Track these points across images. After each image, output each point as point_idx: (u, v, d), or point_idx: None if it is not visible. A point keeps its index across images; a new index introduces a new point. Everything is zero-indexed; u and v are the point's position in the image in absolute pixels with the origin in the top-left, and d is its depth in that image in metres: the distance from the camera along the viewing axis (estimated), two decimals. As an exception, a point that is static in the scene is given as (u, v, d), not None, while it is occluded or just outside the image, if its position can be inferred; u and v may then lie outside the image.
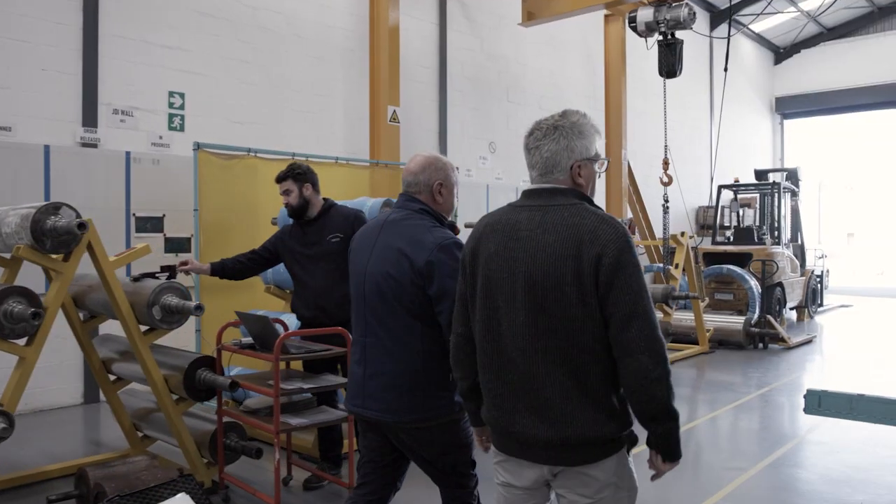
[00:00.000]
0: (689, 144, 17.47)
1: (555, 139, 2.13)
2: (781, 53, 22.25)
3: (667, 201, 10.12)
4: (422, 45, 10.43)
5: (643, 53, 13.34)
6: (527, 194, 2.17)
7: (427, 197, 2.81)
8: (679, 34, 9.93)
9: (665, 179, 10.32)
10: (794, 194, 15.62)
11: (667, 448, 2.07)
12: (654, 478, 2.16)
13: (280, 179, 4.58)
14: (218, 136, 7.61)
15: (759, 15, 18.83)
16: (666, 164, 10.34)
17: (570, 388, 2.01)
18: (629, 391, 2.02)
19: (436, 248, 2.65)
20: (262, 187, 6.68)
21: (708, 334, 10.61)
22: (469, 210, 10.40)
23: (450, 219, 2.92)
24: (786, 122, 22.95)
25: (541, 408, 2.04)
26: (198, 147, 6.40)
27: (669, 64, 9.55)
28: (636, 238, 13.07)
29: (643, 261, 13.67)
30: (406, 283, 2.66)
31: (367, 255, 2.81)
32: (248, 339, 4.34)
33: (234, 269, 4.69)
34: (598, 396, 2.02)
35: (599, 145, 2.23)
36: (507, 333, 2.09)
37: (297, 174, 4.54)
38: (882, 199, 32.77)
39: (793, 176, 15.95)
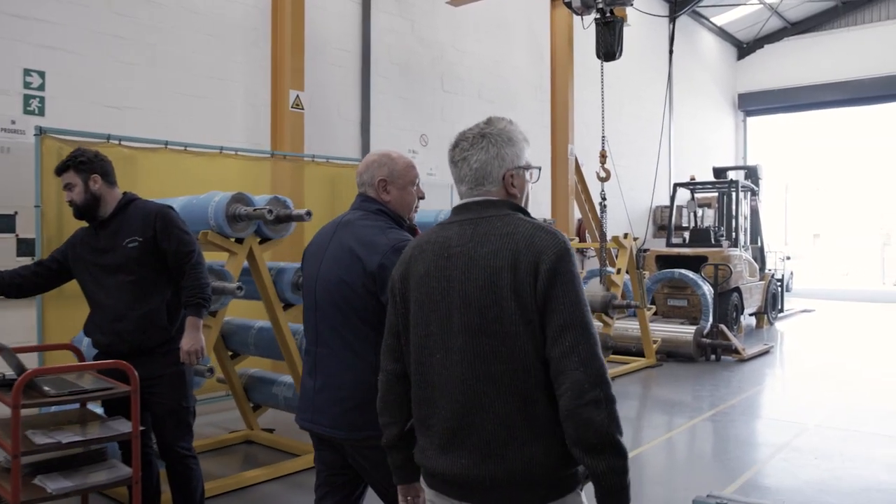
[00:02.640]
0: (644, 139, 16.68)
1: (483, 148, 1.98)
2: (744, 48, 21.61)
3: (604, 199, 9.20)
4: (341, 25, 9.42)
5: (594, 42, 12.48)
6: (456, 210, 2.01)
7: (375, 196, 2.64)
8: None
9: (602, 174, 9.40)
10: (753, 193, 14.93)
11: (612, 493, 1.75)
12: None
13: (59, 171, 3.57)
14: (87, 123, 6.55)
15: (721, 6, 18.11)
16: (603, 156, 9.42)
17: (516, 418, 1.81)
18: (563, 416, 1.76)
19: (389, 251, 2.44)
20: (140, 180, 5.81)
21: (655, 345, 9.76)
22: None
23: (410, 219, 2.70)
24: (749, 119, 22.32)
25: (483, 443, 1.83)
26: (41, 132, 5.43)
27: (608, 45, 8.63)
28: (575, 241, 12.20)
29: (593, 264, 12.83)
30: (358, 287, 2.48)
31: (320, 259, 2.63)
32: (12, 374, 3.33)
33: (9, 286, 3.65)
34: (547, 427, 1.82)
35: (529, 154, 2.07)
36: (444, 361, 1.90)
37: (80, 163, 3.53)
38: (848, 198, 32.43)
39: (753, 174, 15.27)
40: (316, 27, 8.83)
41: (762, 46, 21.31)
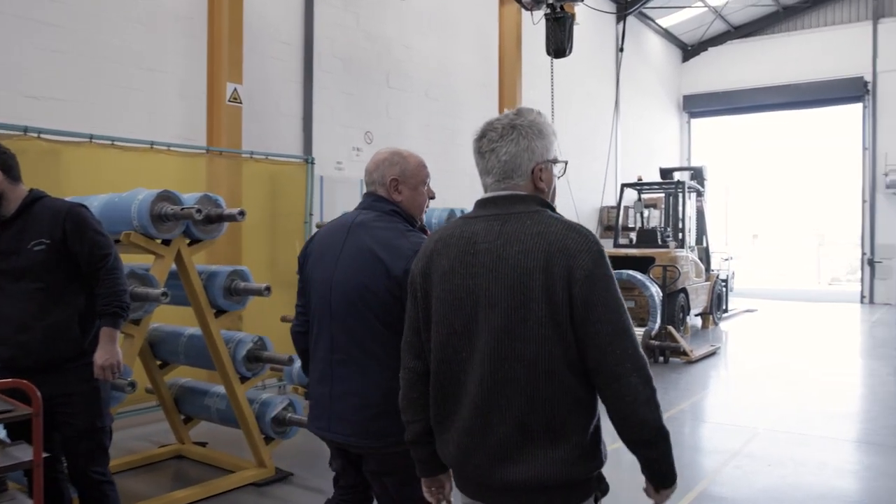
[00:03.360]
0: (593, 139, 16.66)
1: (513, 140, 1.92)
2: (689, 51, 21.81)
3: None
4: (282, 16, 9.04)
5: (542, 41, 12.32)
6: (482, 203, 1.96)
7: (385, 196, 2.56)
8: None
9: (553, 174, 9.23)
10: (699, 194, 15.03)
11: (662, 473, 1.88)
12: None
13: (-43, 167, 3.18)
14: (3, 113, 6.08)
15: (666, 7, 18.21)
16: (554, 156, 9.26)
17: (534, 423, 1.80)
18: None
19: (413, 255, 2.25)
20: (63, 177, 5.60)
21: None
22: (339, 208, 9.09)
23: (421, 221, 2.64)
24: (693, 120, 22.55)
25: (498, 445, 1.82)
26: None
27: (558, 41, 8.48)
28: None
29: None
30: (382, 293, 2.41)
31: (333, 262, 2.51)
32: None
33: None
34: (565, 432, 1.81)
35: (557, 147, 2.01)
36: (466, 361, 1.87)
37: (-22, 157, 3.15)
38: (785, 199, 33.22)
39: (698, 175, 15.38)
40: (255, 18, 8.45)
41: (706, 49, 21.53)
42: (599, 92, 17.27)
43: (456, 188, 11.89)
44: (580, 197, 14.59)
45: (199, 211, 4.25)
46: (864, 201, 19.25)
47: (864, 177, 19.31)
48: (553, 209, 1.95)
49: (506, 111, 2.01)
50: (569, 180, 11.98)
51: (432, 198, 2.68)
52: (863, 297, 19.33)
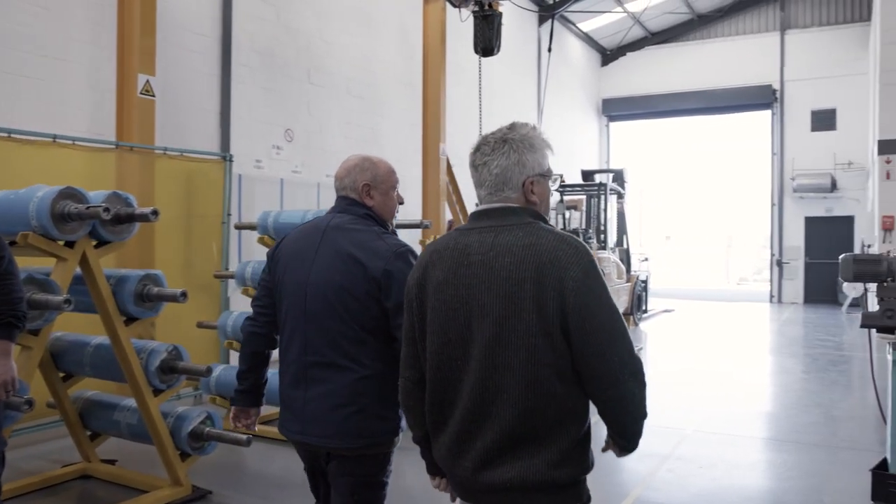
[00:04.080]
0: (515, 142, 16.64)
1: (504, 153, 1.96)
2: (608, 55, 22.18)
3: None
4: (199, 6, 8.60)
5: (467, 40, 12.17)
6: (476, 216, 2.00)
7: (358, 200, 2.61)
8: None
9: (480, 175, 9.11)
10: (620, 196, 15.26)
11: (633, 446, 1.97)
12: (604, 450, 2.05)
13: None
14: None
15: (587, 12, 18.43)
16: (482, 156, 9.13)
17: (521, 431, 1.84)
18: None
19: (392, 256, 2.45)
20: None
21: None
22: (259, 208, 8.72)
23: (392, 225, 2.70)
24: (611, 124, 22.94)
25: (485, 450, 1.87)
26: None
27: (486, 39, 8.37)
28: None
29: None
30: (360, 294, 2.44)
31: (308, 265, 2.53)
32: None
33: None
34: (551, 439, 1.84)
35: (550, 160, 2.04)
36: (459, 369, 1.91)
37: None
38: (697, 202, 34.26)
39: (619, 177, 15.61)
40: (170, 7, 8.00)
41: (625, 54, 21.94)
42: (522, 94, 17.32)
43: (380, 188, 11.66)
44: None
45: (106, 210, 3.90)
46: (773, 204, 19.98)
47: (772, 181, 20.05)
48: (546, 221, 1.99)
49: (501, 126, 2.04)
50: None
51: (401, 203, 2.72)
52: (772, 296, 20.06)
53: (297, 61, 10.15)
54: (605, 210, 14.03)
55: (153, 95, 7.11)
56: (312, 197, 10.21)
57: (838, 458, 5.67)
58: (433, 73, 11.63)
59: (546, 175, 2.02)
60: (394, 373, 2.36)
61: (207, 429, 4.59)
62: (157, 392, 4.49)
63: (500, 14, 8.61)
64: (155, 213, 4.16)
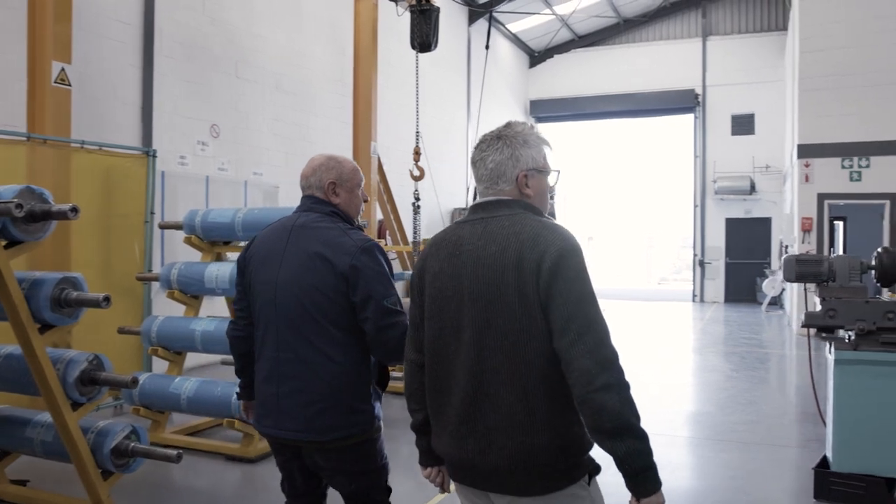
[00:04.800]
0: (446, 143, 16.56)
1: (498, 149, 2.05)
2: (536, 57, 22.33)
3: (418, 199, 8.74)
4: (118, -7, 8.14)
5: (397, 39, 11.98)
6: (472, 209, 2.09)
7: (324, 198, 2.68)
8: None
9: (416, 173, 8.94)
10: (551, 197, 15.31)
11: (636, 475, 1.79)
12: None
13: None
14: None
15: (516, 13, 18.47)
16: (417, 153, 8.96)
17: (518, 410, 1.89)
18: (578, 405, 1.85)
19: (358, 251, 2.53)
20: None
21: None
22: (183, 207, 8.31)
23: (358, 222, 2.78)
24: (539, 125, 23.04)
25: (487, 431, 1.93)
26: None
27: (423, 34, 8.18)
28: (387, 243, 11.71)
29: (395, 267, 12.36)
30: (328, 290, 2.52)
31: (277, 263, 2.59)
32: None
33: None
34: (549, 419, 1.89)
35: (549, 156, 2.11)
36: (455, 353, 1.99)
37: None
38: (620, 202, 34.98)
39: (549, 178, 15.67)
40: (86, -8, 7.53)
41: (552, 56, 22.13)
42: (451, 93, 17.24)
43: (310, 187, 11.35)
44: (431, 199, 14.42)
45: (19, 206, 3.54)
46: (695, 206, 20.50)
47: (695, 183, 20.56)
48: (539, 213, 2.04)
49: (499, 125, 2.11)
50: (433, 181, 11.73)
51: (366, 201, 2.80)
52: (694, 295, 20.57)
53: (224, 54, 9.75)
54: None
55: (69, 85, 6.65)
56: (239, 195, 9.82)
57: (777, 456, 5.72)
58: (364, 70, 11.37)
59: (542, 170, 2.07)
60: (365, 366, 2.58)
61: (133, 444, 4.24)
62: (75, 406, 4.11)
63: (438, 9, 8.45)
64: (74, 210, 3.81)
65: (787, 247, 15.66)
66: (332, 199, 2.68)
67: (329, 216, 2.65)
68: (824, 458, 4.84)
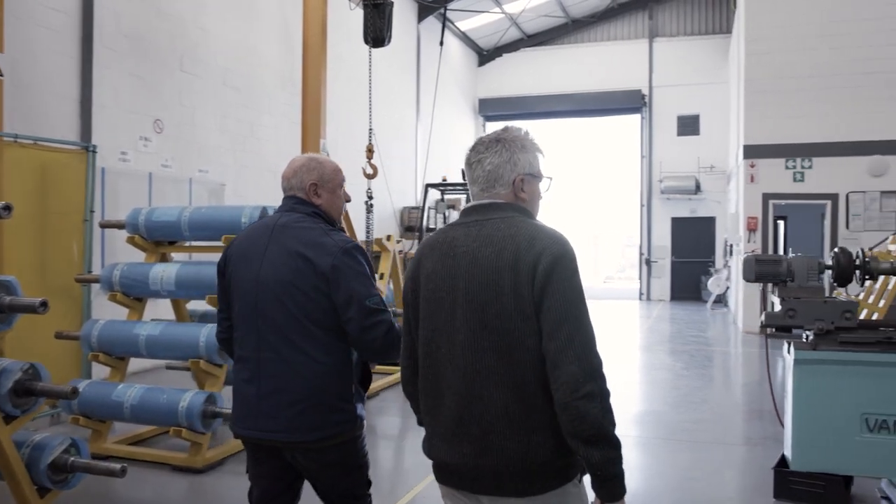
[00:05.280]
0: (396, 141, 16.38)
1: (497, 152, 2.08)
2: (485, 56, 22.31)
3: (371, 198, 8.57)
4: (54, -20, 7.75)
5: (348, 35, 11.80)
6: (465, 212, 2.12)
7: (306, 199, 2.70)
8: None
9: (369, 171, 8.77)
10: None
11: (606, 481, 1.85)
12: None
13: None
14: None
15: (466, 10, 18.40)
16: (370, 151, 8.78)
17: (515, 411, 1.92)
18: (559, 408, 1.86)
19: (339, 252, 2.55)
20: None
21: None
22: (124, 205, 7.97)
23: (340, 223, 2.80)
24: (488, 124, 23.08)
25: (483, 434, 1.94)
26: None
27: (377, 29, 8.02)
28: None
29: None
30: (309, 290, 2.53)
31: (258, 263, 2.60)
32: None
33: None
34: (543, 419, 1.91)
35: (543, 164, 2.16)
36: (448, 355, 2.00)
37: None
38: (567, 201, 35.25)
39: (499, 177, 15.64)
40: (20, -22, 7.14)
41: (501, 55, 22.14)
42: (400, 90, 17.07)
43: (257, 185, 11.07)
44: (382, 199, 14.23)
45: (-53, 205, 3.27)
46: (641, 205, 20.75)
47: (641, 182, 20.81)
48: (532, 217, 2.08)
49: (496, 129, 2.14)
50: (387, 179, 11.56)
51: (348, 201, 2.82)
52: (641, 293, 20.83)
53: (169, 47, 9.41)
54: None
55: (1, 75, 6.28)
56: (184, 193, 9.49)
57: (734, 455, 5.74)
58: (313, 65, 11.10)
59: (536, 175, 2.11)
60: (347, 366, 2.59)
61: (72, 458, 3.97)
62: (8, 419, 3.83)
63: (392, 3, 8.29)
64: (7, 208, 3.56)
65: (731, 246, 15.96)
66: (314, 200, 2.69)
67: (310, 216, 2.65)
68: (783, 458, 4.86)
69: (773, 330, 4.91)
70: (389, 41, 8.36)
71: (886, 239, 10.41)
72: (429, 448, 2.10)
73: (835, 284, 4.81)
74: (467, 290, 1.97)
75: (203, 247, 6.00)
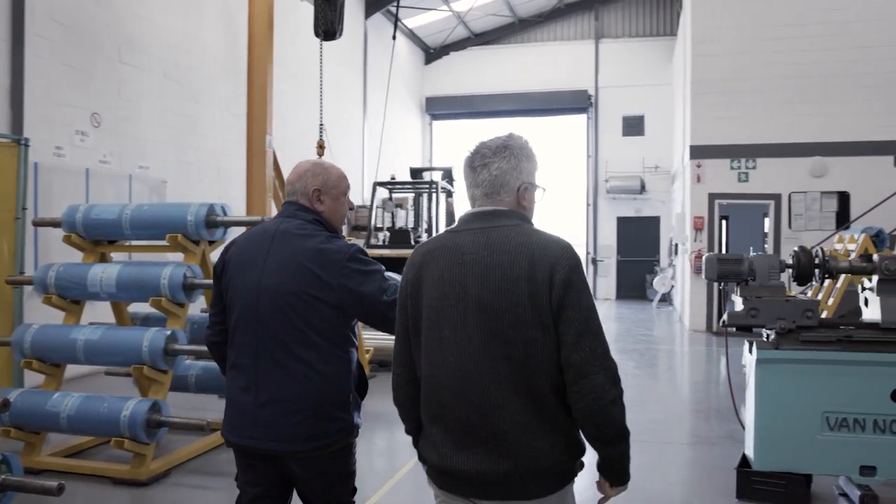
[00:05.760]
0: (343, 139, 16.11)
1: (505, 158, 2.11)
2: (432, 54, 22.16)
3: (322, 196, 8.30)
4: (-19, -37, 7.31)
5: (294, 30, 11.54)
6: (468, 218, 2.12)
7: (308, 205, 2.67)
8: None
9: (321, 168, 8.49)
10: (449, 194, 15.16)
11: (620, 471, 2.07)
12: (602, 502, 2.15)
13: None
14: None
15: (414, 7, 18.22)
16: (321, 147, 8.53)
17: (528, 417, 1.96)
18: (584, 414, 1.96)
19: (345, 259, 2.53)
20: None
21: (368, 355, 9.12)
22: (59, 202, 7.57)
23: (342, 231, 2.78)
24: (435, 122, 22.95)
25: (497, 441, 1.96)
26: None
27: (328, 21, 7.80)
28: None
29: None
30: (312, 300, 2.50)
31: (259, 269, 2.57)
32: None
33: None
34: (555, 425, 1.99)
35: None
36: (458, 363, 2.00)
37: None
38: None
39: (448, 175, 15.51)
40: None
41: (448, 53, 22.01)
42: (348, 87, 16.79)
43: (200, 182, 10.70)
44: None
45: None
46: (588, 205, 20.90)
47: (587, 182, 20.96)
48: (531, 224, 2.13)
49: (498, 135, 2.15)
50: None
51: (351, 209, 2.79)
52: (587, 293, 20.95)
53: (107, 36, 8.99)
54: (437, 208, 13.85)
55: (-77, 63, 5.86)
56: (124, 190, 9.09)
57: (693, 455, 5.72)
58: (260, 59, 10.77)
59: (535, 185, 2.15)
60: (346, 374, 2.58)
61: (3, 477, 3.68)
62: (-67, 432, 3.53)
63: (344, -5, 8.07)
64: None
65: (676, 245, 16.17)
66: (317, 207, 2.66)
67: (313, 224, 2.63)
68: (744, 457, 4.83)
69: (735, 329, 4.90)
70: (341, 34, 8.14)
71: (830, 238, 10.64)
72: (434, 456, 2.07)
73: (795, 283, 4.81)
74: (479, 298, 1.97)
75: (146, 246, 5.71)
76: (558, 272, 1.94)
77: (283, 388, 2.50)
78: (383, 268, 2.62)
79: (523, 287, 1.93)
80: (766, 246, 15.91)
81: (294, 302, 2.49)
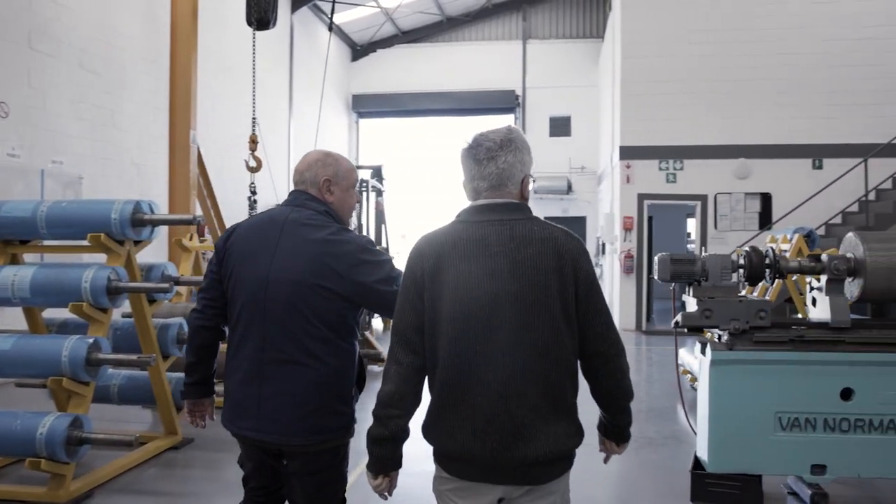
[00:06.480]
0: (270, 135, 15.61)
1: (511, 151, 2.16)
2: (358, 51, 21.81)
3: (254, 192, 7.96)
4: None
5: (218, 24, 11.08)
6: (481, 209, 2.16)
7: (317, 195, 2.63)
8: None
9: (253, 163, 8.15)
10: (379, 193, 14.92)
11: (625, 431, 2.34)
12: (608, 460, 2.46)
13: None
14: None
15: (342, 2, 17.85)
16: (254, 142, 8.15)
17: (546, 404, 2.06)
18: (608, 392, 2.20)
19: (357, 251, 2.51)
20: None
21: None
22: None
23: (350, 224, 2.77)
24: (361, 120, 22.61)
25: (515, 428, 2.04)
26: None
27: (261, 10, 7.45)
28: (207, 241, 10.70)
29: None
30: (323, 290, 2.46)
31: (268, 259, 2.50)
32: None
33: None
34: (567, 411, 2.11)
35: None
36: (483, 353, 2.05)
37: None
38: (438, 202, 35.29)
39: (377, 174, 15.25)
40: None
41: (375, 50, 21.70)
42: (272, 82, 16.30)
43: (119, 178, 10.13)
44: (277, 195, 13.50)
45: None
46: (516, 205, 20.94)
47: (515, 182, 20.99)
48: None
49: (497, 128, 2.20)
50: (272, 173, 10.85)
51: (359, 202, 2.33)
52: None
53: (15, 22, 8.37)
54: (368, 207, 13.60)
55: None
56: (35, 186, 8.49)
57: (641, 457, 5.65)
58: (183, 51, 10.27)
59: (532, 177, 2.25)
60: (350, 368, 2.56)
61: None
62: None
63: (276, -17, 7.72)
64: None
65: (604, 245, 16.34)
66: (327, 198, 2.63)
67: (322, 215, 2.58)
68: (697, 460, 4.78)
69: (686, 330, 4.84)
70: (275, 24, 7.79)
71: (755, 238, 10.86)
72: (449, 443, 2.11)
73: (746, 283, 4.79)
74: (509, 289, 2.03)
75: (63, 247, 5.27)
76: (581, 267, 2.08)
77: (289, 381, 2.46)
78: (392, 257, 2.61)
79: (553, 280, 2.04)
80: (689, 246, 16.19)
81: (307, 294, 2.44)
